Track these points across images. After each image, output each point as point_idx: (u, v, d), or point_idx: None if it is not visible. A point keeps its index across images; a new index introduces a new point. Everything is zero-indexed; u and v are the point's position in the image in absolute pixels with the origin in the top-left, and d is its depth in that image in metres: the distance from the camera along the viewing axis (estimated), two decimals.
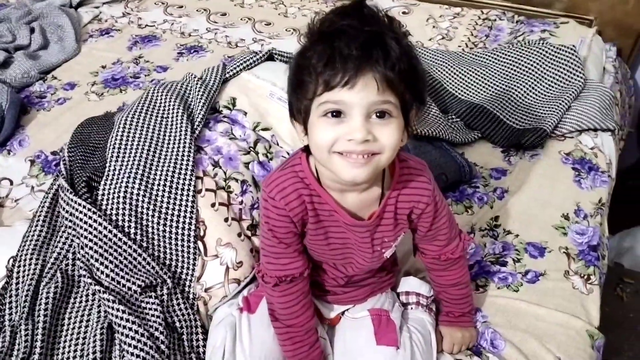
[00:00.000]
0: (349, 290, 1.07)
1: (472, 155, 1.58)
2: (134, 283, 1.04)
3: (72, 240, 1.11)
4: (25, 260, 1.10)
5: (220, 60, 1.95)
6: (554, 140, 1.61)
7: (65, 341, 1.02)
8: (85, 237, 1.06)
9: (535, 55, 1.76)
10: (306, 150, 0.89)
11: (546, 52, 1.76)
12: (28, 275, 1.08)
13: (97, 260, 1.05)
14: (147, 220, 1.11)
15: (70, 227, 1.10)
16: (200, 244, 1.13)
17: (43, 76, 1.89)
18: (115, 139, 1.21)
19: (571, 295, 1.19)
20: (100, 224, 1.07)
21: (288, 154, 1.29)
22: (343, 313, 1.09)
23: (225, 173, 1.21)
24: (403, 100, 0.78)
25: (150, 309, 1.03)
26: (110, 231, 1.06)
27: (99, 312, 1.03)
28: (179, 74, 1.84)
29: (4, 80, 1.77)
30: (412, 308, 1.12)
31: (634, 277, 1.97)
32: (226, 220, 1.15)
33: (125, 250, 1.06)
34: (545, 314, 1.15)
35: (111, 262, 1.05)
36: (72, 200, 1.09)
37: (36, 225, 1.15)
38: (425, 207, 0.94)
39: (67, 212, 1.11)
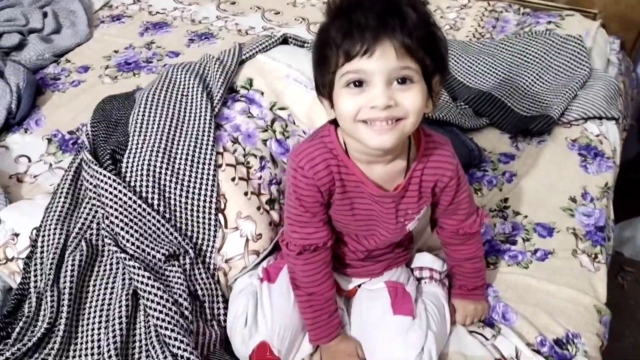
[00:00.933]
0: (367, 264, 1.10)
1: (480, 141, 1.62)
2: (158, 252, 1.07)
3: (96, 211, 1.13)
4: (49, 230, 1.13)
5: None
6: (560, 127, 1.64)
7: (90, 307, 1.04)
8: (111, 207, 1.08)
9: (543, 45, 1.80)
10: (334, 123, 0.92)
11: (553, 42, 1.80)
12: (52, 244, 1.10)
13: (122, 229, 1.07)
14: (170, 192, 1.14)
15: (94, 199, 1.13)
16: (221, 216, 1.16)
17: (57, 59, 1.92)
18: (137, 115, 1.23)
19: (579, 272, 1.23)
20: (125, 195, 1.09)
21: (304, 132, 1.32)
22: (359, 286, 1.13)
23: (244, 149, 1.24)
24: (424, 66, 0.80)
25: (173, 276, 1.06)
26: (135, 202, 1.09)
27: (123, 279, 1.06)
28: (191, 59, 1.85)
29: (19, 61, 1.79)
30: (425, 282, 1.16)
31: (634, 266, 2.01)
32: (246, 194, 1.18)
33: (149, 221, 1.09)
34: (555, 290, 1.18)
35: (136, 231, 1.08)
36: (97, 172, 1.12)
37: (59, 198, 1.17)
38: (449, 181, 0.97)
39: (91, 184, 1.14)
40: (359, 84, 0.80)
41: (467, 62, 1.82)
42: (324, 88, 0.86)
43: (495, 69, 1.79)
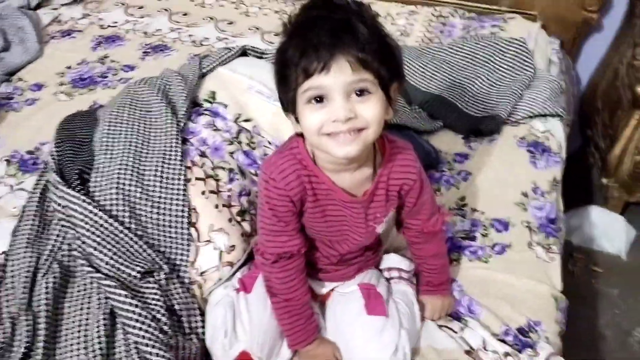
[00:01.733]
0: (340, 269, 1.14)
1: (436, 143, 1.69)
2: (133, 269, 1.08)
3: (66, 232, 1.13)
4: (18, 254, 1.12)
5: (187, 59, 1.99)
6: (509, 126, 1.73)
7: (67, 329, 1.04)
8: (82, 228, 1.09)
9: (489, 48, 1.89)
10: (302, 135, 0.96)
11: (498, 44, 1.89)
12: (23, 268, 1.10)
13: (95, 249, 1.08)
14: (141, 209, 1.15)
15: (63, 220, 1.13)
16: (193, 230, 1.17)
17: (8, 77, 1.87)
18: (102, 133, 1.24)
19: (535, 264, 1.31)
20: (95, 214, 1.10)
21: (270, 143, 1.36)
22: (333, 289, 1.17)
23: (212, 162, 1.26)
24: (380, 76, 0.85)
25: (150, 293, 1.07)
26: (106, 221, 1.10)
27: (99, 299, 1.06)
28: (147, 73, 1.85)
29: None
30: (395, 282, 1.21)
31: (582, 253, 2.12)
32: (217, 206, 1.20)
33: (122, 239, 1.10)
34: (514, 282, 1.26)
35: (110, 250, 1.08)
36: (66, 192, 1.12)
37: (27, 220, 1.17)
38: (413, 184, 1.03)
39: (59, 205, 1.13)
40: (319, 99, 0.85)
41: (419, 67, 1.89)
42: (289, 105, 0.91)
43: (446, 73, 1.86)
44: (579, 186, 2.22)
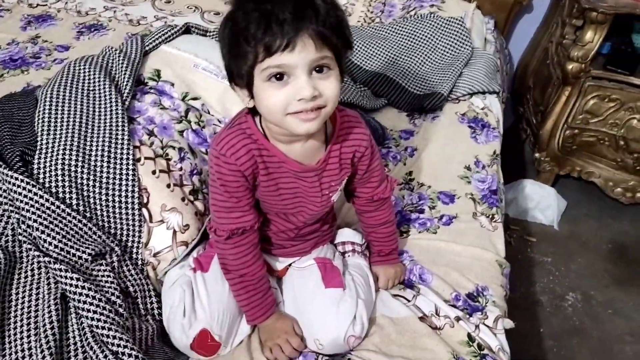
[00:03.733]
0: (296, 244, 1.15)
1: (381, 120, 1.72)
2: (83, 252, 1.05)
3: (9, 217, 1.08)
4: None
5: (125, 38, 1.93)
6: (450, 103, 1.79)
7: (16, 317, 1.00)
8: (27, 211, 1.04)
9: (428, 27, 1.94)
10: (250, 110, 0.96)
11: (437, 24, 1.94)
12: None
13: (42, 232, 1.03)
14: (89, 191, 1.11)
15: (6, 204, 1.08)
16: (144, 210, 1.15)
17: None
18: (44, 113, 1.18)
19: (480, 232, 1.37)
20: (41, 197, 1.05)
21: (220, 121, 1.34)
22: (290, 265, 1.17)
23: (161, 142, 1.23)
24: (337, 51, 0.86)
25: (103, 275, 1.04)
26: (52, 203, 1.05)
27: (48, 283, 1.02)
28: (83, 53, 1.78)
29: None
30: (349, 255, 1.23)
31: (518, 225, 2.23)
32: (168, 186, 1.18)
33: (70, 221, 1.06)
34: (461, 250, 1.31)
35: (58, 233, 1.04)
36: (7, 175, 1.06)
37: None
38: (365, 150, 1.05)
39: (1, 189, 1.08)
40: (280, 77, 0.84)
41: (362, 46, 1.91)
42: (240, 79, 0.89)
43: (388, 52, 1.90)
44: (512, 161, 2.32)
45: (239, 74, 0.88)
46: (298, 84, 0.83)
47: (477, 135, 1.67)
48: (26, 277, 1.05)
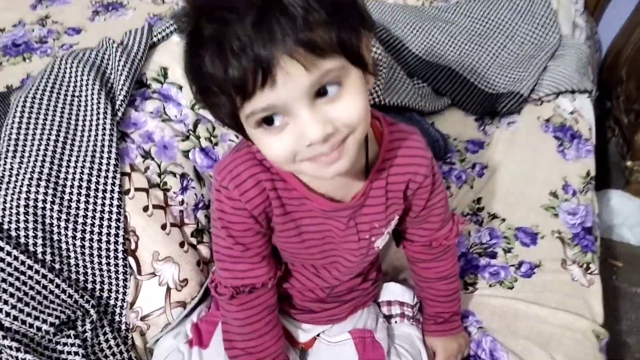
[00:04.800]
0: (328, 307, 0.88)
1: (443, 125, 1.41)
2: (45, 321, 0.80)
3: None
4: None
5: (146, 19, 1.67)
6: (530, 105, 1.46)
7: None
8: None
9: (506, 9, 1.59)
10: None
11: (517, 5, 1.59)
12: None
13: None
14: (59, 234, 0.86)
15: None
16: (131, 259, 0.89)
17: None
18: (12, 128, 0.92)
19: (571, 288, 1.06)
20: None
21: (237, 136, 1.06)
22: (318, 335, 0.90)
23: (159, 166, 0.96)
24: (345, 49, 0.55)
25: (69, 352, 0.80)
26: (8, 253, 0.80)
27: None
28: (95, 37, 1.52)
29: None
30: (396, 322, 0.95)
31: (600, 245, 1.88)
32: (164, 227, 0.91)
33: (31, 277, 0.81)
34: (547, 315, 1.00)
35: (12, 294, 0.79)
36: None
37: None
38: (424, 180, 0.76)
39: None
40: (271, 121, 0.56)
41: (422, 31, 1.58)
42: (228, 125, 0.62)
43: (454, 39, 1.57)
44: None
45: (224, 122, 0.61)
46: (299, 125, 0.56)
47: (565, 148, 1.33)
48: None
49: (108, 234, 0.88)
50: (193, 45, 0.55)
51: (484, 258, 1.09)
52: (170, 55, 1.13)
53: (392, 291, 0.97)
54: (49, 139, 0.92)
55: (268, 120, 0.56)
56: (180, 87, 1.07)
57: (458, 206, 1.20)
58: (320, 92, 0.55)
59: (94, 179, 0.90)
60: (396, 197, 0.76)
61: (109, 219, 0.88)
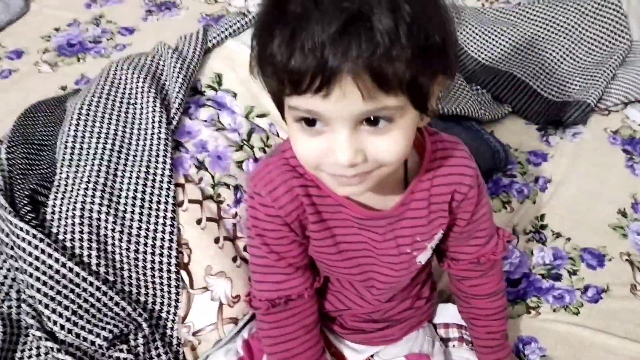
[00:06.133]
0: (381, 327, 0.85)
1: (503, 135, 1.34)
2: (98, 335, 0.79)
3: (14, 278, 0.84)
4: None
5: (198, 20, 1.66)
6: (597, 115, 1.38)
7: None
8: (31, 275, 0.79)
9: (572, 11, 1.50)
10: None
11: (585, 7, 1.50)
12: None
13: (47, 306, 0.78)
14: (114, 245, 0.85)
15: (12, 257, 0.84)
16: (184, 273, 0.87)
17: None
18: (68, 136, 0.92)
19: None
20: (50, 256, 0.80)
21: None
22: (372, 356, 0.86)
23: (212, 177, 0.94)
24: (412, 91, 0.52)
25: None
26: (64, 265, 0.80)
27: None
28: (148, 37, 1.55)
29: None
30: (454, 345, 0.90)
31: None
32: (217, 240, 0.89)
33: (85, 290, 0.80)
34: (616, 345, 0.94)
35: (67, 307, 0.79)
36: (12, 223, 0.82)
37: None
38: (468, 191, 0.72)
39: (6, 235, 0.84)
40: (312, 122, 0.55)
41: (482, 34, 1.52)
42: (277, 105, 0.60)
43: (516, 43, 1.49)
44: None
45: (271, 96, 0.60)
46: (335, 139, 0.54)
47: (634, 163, 1.25)
48: (30, 356, 0.81)
49: (161, 247, 0.86)
50: (272, 17, 0.53)
51: (548, 280, 1.04)
52: (224, 61, 1.11)
53: (449, 313, 0.92)
54: (104, 147, 0.92)
55: (309, 121, 0.55)
56: (235, 95, 1.05)
57: (520, 223, 1.14)
58: (370, 120, 0.53)
59: (148, 190, 0.89)
60: (441, 210, 0.72)
61: (163, 231, 0.87)
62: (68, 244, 0.83)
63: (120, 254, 0.85)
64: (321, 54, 0.48)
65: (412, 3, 0.49)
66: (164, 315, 0.86)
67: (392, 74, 0.49)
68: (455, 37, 0.57)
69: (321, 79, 0.49)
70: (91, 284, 0.81)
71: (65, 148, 0.91)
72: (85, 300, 0.80)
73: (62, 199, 0.86)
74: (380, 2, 0.48)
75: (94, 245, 0.84)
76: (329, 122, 0.53)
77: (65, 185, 0.87)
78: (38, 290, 0.79)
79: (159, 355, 0.83)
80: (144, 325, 0.83)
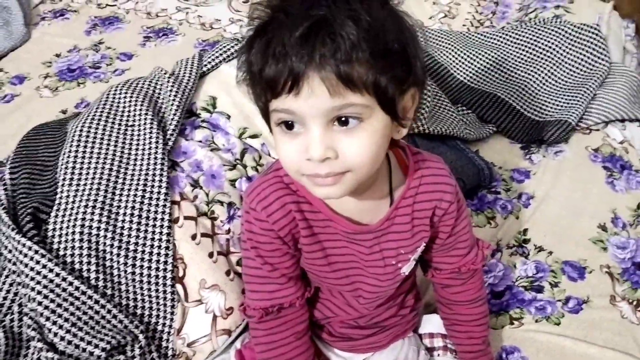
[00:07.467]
0: (368, 334, 0.88)
1: (487, 153, 1.39)
2: (96, 346, 0.83)
3: (16, 292, 0.88)
4: None
5: (194, 45, 1.72)
6: (578, 134, 1.42)
7: None
8: (33, 289, 0.83)
9: (554, 35, 1.56)
10: None
11: (565, 31, 1.56)
12: None
13: (48, 318, 0.82)
14: (112, 260, 0.89)
15: (14, 272, 0.88)
16: (179, 287, 0.91)
17: None
18: (69, 156, 0.97)
19: (620, 326, 1.03)
20: (51, 270, 0.84)
21: None
22: None
23: (207, 195, 0.99)
24: (379, 94, 0.58)
25: None
26: (64, 279, 0.84)
27: None
28: (146, 62, 1.61)
29: None
30: (439, 354, 0.94)
31: None
32: (211, 255, 0.93)
33: (84, 303, 0.84)
34: (595, 354, 0.98)
35: (66, 319, 0.83)
36: (14, 239, 0.86)
37: None
38: (449, 206, 0.77)
39: (9, 251, 0.88)
40: (290, 125, 0.61)
41: (467, 56, 1.58)
42: (264, 117, 0.67)
43: (500, 65, 1.55)
44: None
45: (260, 109, 0.66)
46: (308, 138, 0.60)
47: (614, 179, 1.30)
48: None
49: (157, 261, 0.91)
50: (255, 33, 0.61)
51: (530, 292, 1.08)
52: (219, 84, 1.16)
53: (433, 323, 0.96)
54: (103, 167, 0.96)
55: (288, 125, 0.61)
56: (229, 117, 1.10)
57: (503, 237, 1.18)
58: (342, 120, 0.59)
59: (145, 208, 0.93)
60: (423, 224, 0.77)
61: (159, 247, 0.91)
62: (68, 259, 0.87)
63: (118, 269, 0.89)
64: (289, 56, 0.55)
65: (372, 15, 0.57)
66: (159, 327, 0.90)
67: (356, 74, 0.56)
68: (418, 50, 0.63)
69: (292, 80, 0.56)
70: (90, 297, 0.85)
71: (66, 168, 0.96)
72: (84, 313, 0.84)
73: (63, 216, 0.90)
74: (342, 12, 0.56)
75: (93, 260, 0.88)
76: (304, 122, 0.59)
77: (66, 203, 0.92)
78: (39, 304, 0.83)
79: None
80: (141, 336, 0.87)
